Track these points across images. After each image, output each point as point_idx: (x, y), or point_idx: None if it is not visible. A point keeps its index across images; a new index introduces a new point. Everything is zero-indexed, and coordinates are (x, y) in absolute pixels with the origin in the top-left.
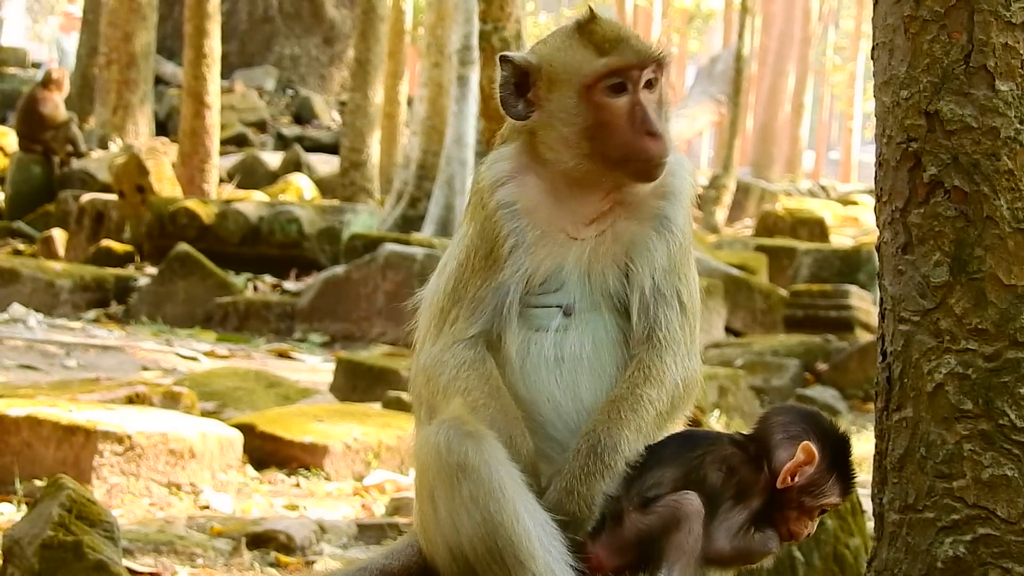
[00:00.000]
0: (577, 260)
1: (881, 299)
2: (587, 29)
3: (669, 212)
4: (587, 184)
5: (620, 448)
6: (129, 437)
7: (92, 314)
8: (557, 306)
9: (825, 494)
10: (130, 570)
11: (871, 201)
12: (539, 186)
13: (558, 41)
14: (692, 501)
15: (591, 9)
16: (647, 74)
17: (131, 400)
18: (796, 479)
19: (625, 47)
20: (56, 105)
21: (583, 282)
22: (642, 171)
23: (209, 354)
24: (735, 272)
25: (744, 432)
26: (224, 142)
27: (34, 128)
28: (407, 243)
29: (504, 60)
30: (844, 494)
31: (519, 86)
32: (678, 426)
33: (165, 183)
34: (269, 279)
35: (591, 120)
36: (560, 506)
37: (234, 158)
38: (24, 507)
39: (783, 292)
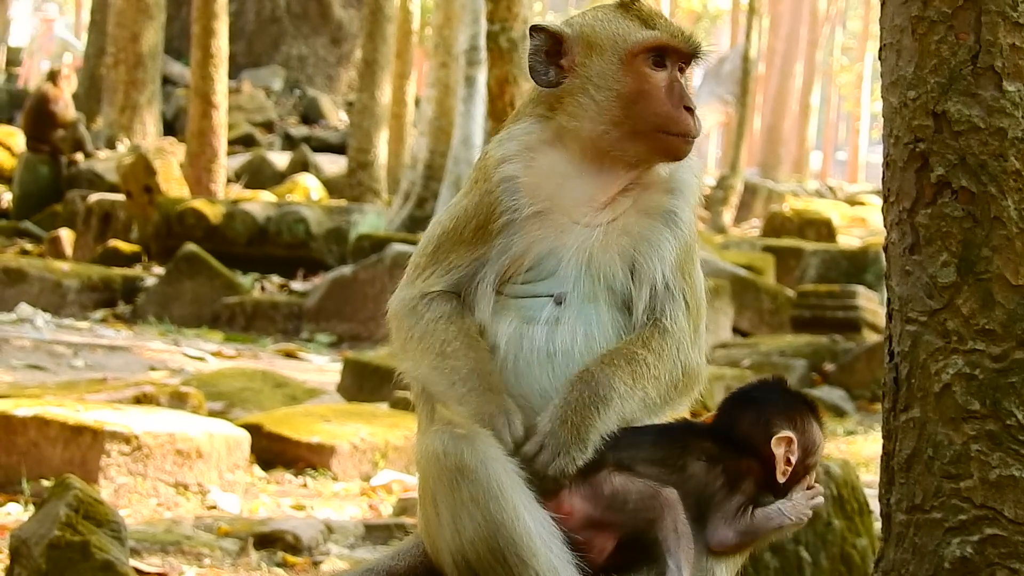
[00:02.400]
0: (579, 247)
1: (888, 300)
2: (631, 7)
3: (677, 208)
4: (605, 159)
5: (615, 385)
6: (136, 437)
7: (99, 314)
8: (548, 295)
9: (817, 445)
10: (137, 570)
11: (878, 202)
12: (549, 165)
13: (598, 14)
14: (671, 493)
15: None
16: (683, 60)
17: (138, 400)
18: (793, 460)
19: (672, 27)
20: (66, 104)
21: (581, 271)
22: (673, 145)
23: (216, 354)
24: (742, 273)
25: (713, 423)
26: (231, 142)
27: (43, 127)
28: (414, 243)
29: (536, 29)
30: (822, 426)
31: (550, 54)
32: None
33: (172, 183)
34: (276, 279)
35: (630, 87)
36: (553, 436)
37: (241, 158)
38: (31, 507)
39: (790, 293)
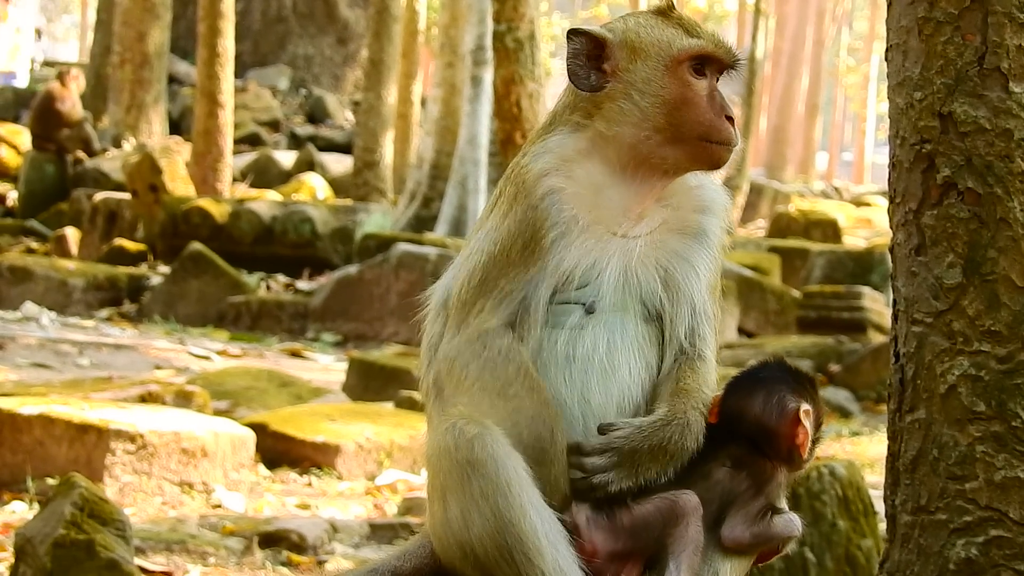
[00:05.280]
0: (618, 258)
1: (894, 300)
2: (671, 15)
3: (709, 228)
4: (641, 167)
5: (698, 434)
6: (141, 436)
7: (105, 313)
8: (580, 303)
9: (822, 417)
10: (142, 569)
11: (884, 202)
12: (586, 176)
13: (639, 20)
14: (690, 499)
15: (670, 1)
16: (721, 70)
17: (144, 399)
18: (811, 433)
19: (715, 37)
20: (73, 104)
21: (618, 282)
22: (715, 153)
23: (222, 353)
24: (748, 273)
25: (720, 413)
26: (237, 141)
27: (49, 126)
28: (420, 243)
29: (576, 33)
30: (819, 397)
31: (591, 59)
32: None
33: (178, 182)
34: (282, 278)
35: (674, 93)
36: (618, 454)
37: (247, 157)
38: (36, 505)
39: (796, 293)
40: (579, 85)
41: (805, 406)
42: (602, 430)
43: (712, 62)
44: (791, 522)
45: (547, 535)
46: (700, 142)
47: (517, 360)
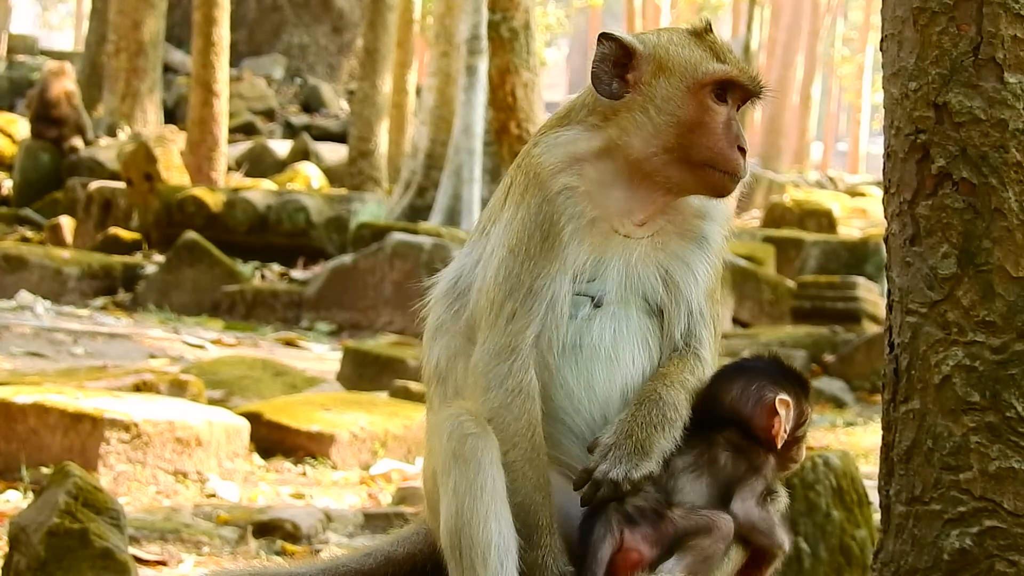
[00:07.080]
0: (620, 255)
1: (889, 291)
2: (704, 37)
3: (710, 233)
4: (644, 181)
5: (679, 409)
6: (136, 425)
7: (99, 302)
8: (588, 296)
9: (806, 416)
10: (136, 558)
11: (879, 193)
12: (596, 175)
13: (672, 37)
14: (728, 522)
15: (708, 21)
16: (742, 98)
17: (138, 388)
18: (789, 427)
19: (741, 65)
20: (69, 93)
21: (621, 279)
22: (719, 182)
23: (216, 342)
24: (742, 263)
25: (702, 396)
26: (232, 130)
27: (46, 115)
28: (415, 232)
29: (607, 37)
30: (808, 401)
31: (616, 65)
32: None
33: (173, 171)
34: (276, 268)
35: (691, 116)
36: (617, 448)
37: (242, 146)
38: (30, 494)
39: (790, 283)
40: (599, 90)
41: (783, 396)
42: (591, 447)
43: (735, 89)
44: (785, 533)
45: (498, 548)
46: (706, 168)
47: (529, 414)
